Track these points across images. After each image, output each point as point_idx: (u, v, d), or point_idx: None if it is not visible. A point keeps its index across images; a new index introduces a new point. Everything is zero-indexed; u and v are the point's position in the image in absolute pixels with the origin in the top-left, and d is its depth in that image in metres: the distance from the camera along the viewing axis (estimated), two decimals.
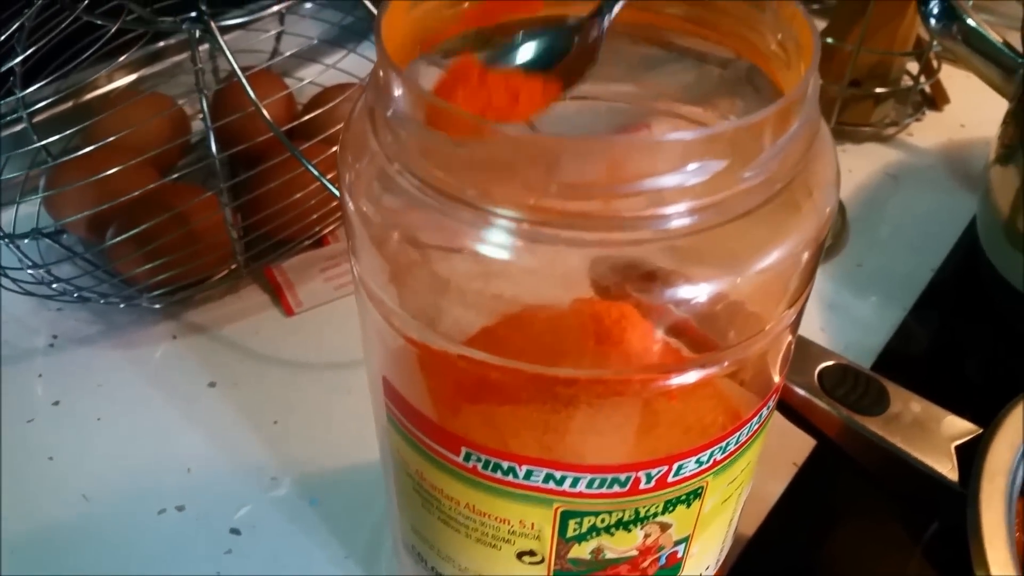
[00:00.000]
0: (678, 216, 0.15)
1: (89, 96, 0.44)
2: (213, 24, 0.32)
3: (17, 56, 0.30)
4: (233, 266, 0.38)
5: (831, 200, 0.18)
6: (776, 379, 0.20)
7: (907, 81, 0.51)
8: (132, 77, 0.46)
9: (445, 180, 0.16)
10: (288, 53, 0.41)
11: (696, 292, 0.16)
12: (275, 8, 0.34)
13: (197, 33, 0.33)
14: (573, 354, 0.17)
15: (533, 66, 0.19)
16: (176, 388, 0.35)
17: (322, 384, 0.35)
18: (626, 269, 0.16)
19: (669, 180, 0.14)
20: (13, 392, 0.35)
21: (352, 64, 0.44)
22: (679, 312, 0.16)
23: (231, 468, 0.32)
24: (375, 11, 0.38)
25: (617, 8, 0.19)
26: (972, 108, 0.52)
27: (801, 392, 0.26)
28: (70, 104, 0.43)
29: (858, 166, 0.48)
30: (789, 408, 0.26)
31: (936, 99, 0.53)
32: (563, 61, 0.19)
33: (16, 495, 0.31)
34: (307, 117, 0.37)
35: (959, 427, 0.25)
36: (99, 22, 0.33)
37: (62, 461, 0.32)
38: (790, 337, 0.20)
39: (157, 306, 0.37)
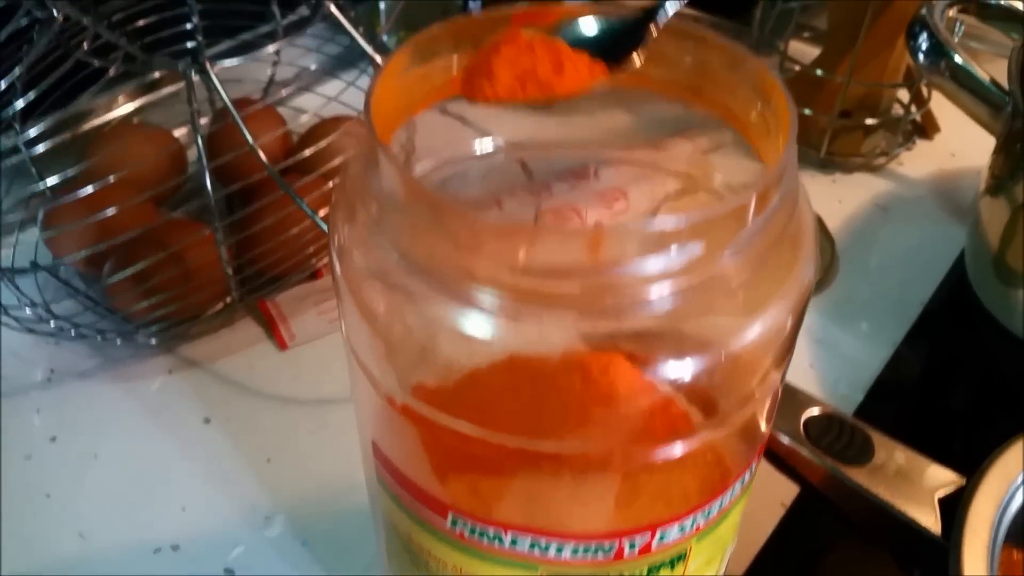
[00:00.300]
0: (661, 296, 0.15)
1: (88, 126, 0.45)
2: (209, 65, 0.33)
3: (17, 98, 0.30)
4: (228, 300, 0.39)
5: (811, 269, 0.19)
6: (763, 429, 0.21)
7: (898, 110, 0.52)
8: (131, 107, 0.46)
9: (427, 258, 0.16)
10: (285, 92, 0.41)
11: (681, 368, 0.16)
12: (271, 48, 0.34)
13: (193, 74, 0.33)
14: (559, 419, 0.17)
15: (580, 45, 0.19)
16: (172, 424, 0.35)
17: (314, 420, 0.36)
18: (612, 341, 0.17)
19: (651, 264, 0.15)
20: (12, 427, 0.35)
21: (349, 95, 0.44)
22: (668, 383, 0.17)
23: (225, 506, 0.32)
24: (367, 46, 0.38)
25: (672, 10, 0.19)
26: (963, 137, 0.52)
27: (786, 441, 0.26)
28: (68, 134, 0.43)
29: (848, 197, 0.48)
30: (774, 455, 0.27)
31: (927, 128, 0.53)
32: (612, 50, 0.19)
33: (14, 533, 0.31)
34: (301, 156, 0.37)
35: (942, 478, 0.25)
36: (98, 63, 0.33)
37: (59, 498, 0.33)
38: (778, 387, 0.21)
39: (153, 341, 0.38)
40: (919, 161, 0.52)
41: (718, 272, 0.16)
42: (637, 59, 0.19)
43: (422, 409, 0.17)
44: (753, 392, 0.18)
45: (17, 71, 0.28)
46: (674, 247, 0.15)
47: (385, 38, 0.54)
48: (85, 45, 0.31)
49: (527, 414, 0.16)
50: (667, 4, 0.19)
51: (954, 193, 0.49)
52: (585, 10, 0.20)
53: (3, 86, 0.29)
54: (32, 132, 0.30)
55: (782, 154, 0.16)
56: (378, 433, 0.19)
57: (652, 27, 0.18)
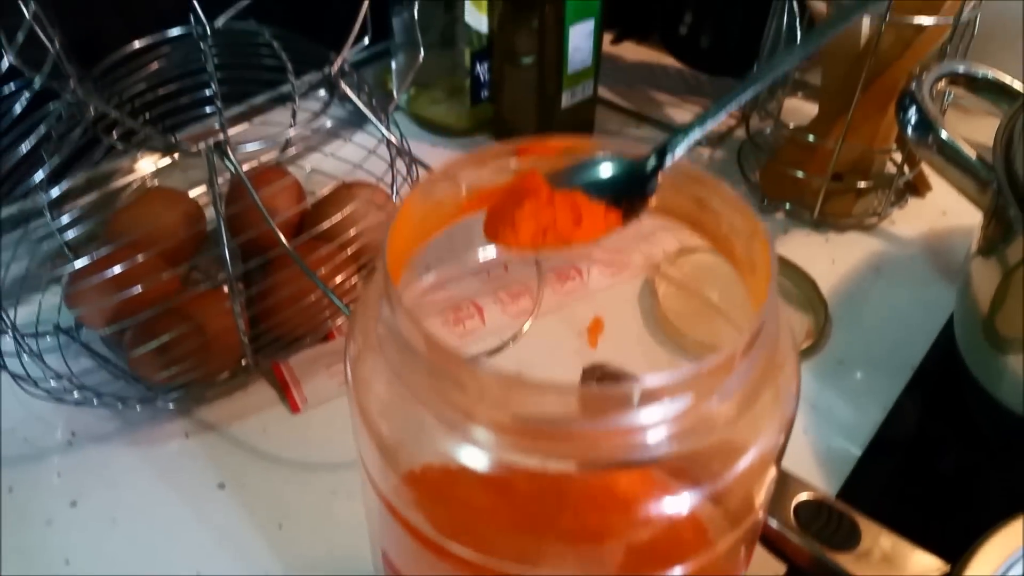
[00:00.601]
0: (656, 442, 0.17)
1: (110, 187, 0.46)
2: (230, 150, 0.35)
3: (52, 188, 0.32)
4: (243, 363, 0.40)
5: (795, 391, 0.20)
6: (757, 535, 0.22)
7: (890, 168, 0.53)
8: (151, 168, 0.48)
9: (429, 393, 0.17)
10: (309, 168, 0.43)
11: (679, 503, 0.18)
12: (291, 132, 0.36)
13: (215, 158, 0.35)
14: (559, 542, 0.18)
15: (594, 190, 0.20)
16: (188, 488, 0.37)
17: (325, 486, 0.37)
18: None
19: (643, 416, 0.16)
20: (34, 492, 0.37)
21: (356, 154, 0.46)
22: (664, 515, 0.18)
23: (238, 573, 0.34)
24: (382, 128, 0.40)
25: (680, 154, 0.21)
26: (954, 195, 0.53)
27: (776, 525, 0.28)
28: (96, 195, 0.45)
29: (841, 256, 0.50)
30: (764, 538, 0.28)
31: (918, 186, 0.55)
32: (623, 195, 0.20)
33: None
34: (318, 230, 0.39)
35: (927, 564, 0.26)
36: (123, 147, 0.35)
37: (78, 564, 0.34)
38: (771, 488, 0.22)
39: (171, 405, 0.39)
40: (911, 219, 0.53)
41: (708, 413, 0.17)
42: (651, 204, 0.20)
43: (425, 530, 0.19)
44: (751, 505, 0.20)
45: (50, 163, 0.30)
46: (666, 399, 0.16)
47: (396, 96, 0.56)
48: (114, 133, 0.33)
49: (523, 539, 0.18)
50: (678, 148, 0.20)
51: (945, 253, 0.51)
52: (586, 144, 0.22)
53: (37, 179, 0.30)
54: (65, 219, 0.31)
55: (764, 303, 0.18)
56: (386, 541, 0.20)
57: (661, 175, 0.20)
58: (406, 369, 0.18)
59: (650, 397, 0.16)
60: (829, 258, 0.50)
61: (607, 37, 0.63)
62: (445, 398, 0.17)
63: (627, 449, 0.16)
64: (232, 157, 0.34)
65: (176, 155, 0.37)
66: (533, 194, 0.19)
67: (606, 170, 0.20)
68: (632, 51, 0.67)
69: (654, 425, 0.16)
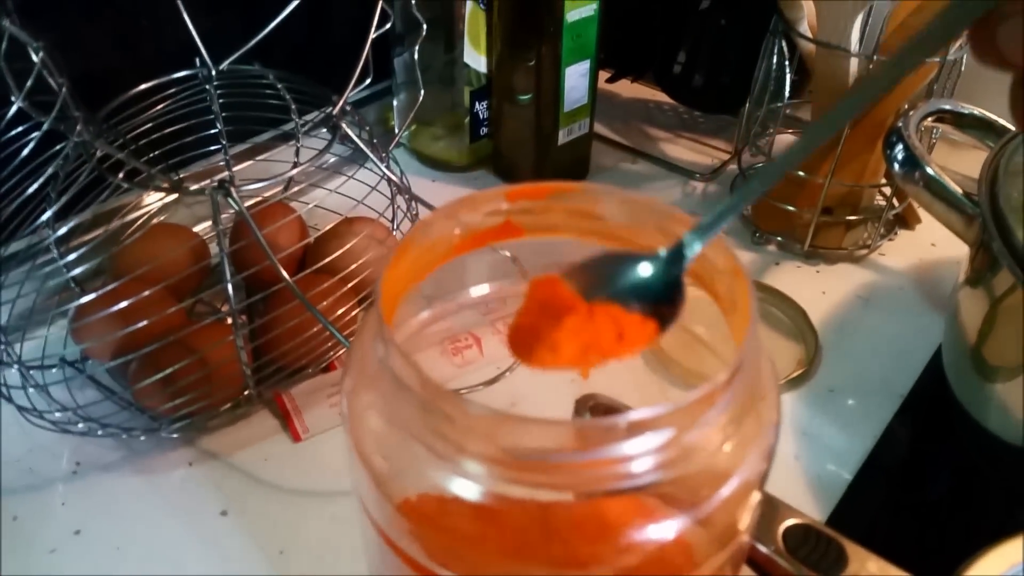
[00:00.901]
0: (641, 471, 0.17)
1: (116, 223, 0.48)
2: (234, 190, 0.36)
3: (60, 226, 0.33)
4: (246, 393, 0.41)
5: (775, 419, 0.21)
6: (743, 557, 0.23)
7: (880, 201, 0.54)
8: (159, 203, 0.49)
9: (420, 432, 0.18)
10: (312, 203, 0.44)
11: (665, 529, 0.18)
12: (292, 172, 0.37)
13: (219, 198, 0.36)
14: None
15: (626, 299, 0.19)
16: (191, 516, 0.37)
17: (326, 513, 0.38)
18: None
19: (627, 448, 0.17)
20: (37, 520, 0.37)
21: (359, 190, 0.47)
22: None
23: None
24: (385, 170, 0.41)
25: (699, 249, 0.20)
26: (943, 227, 0.55)
27: (764, 550, 0.28)
28: (101, 233, 0.46)
29: (831, 287, 0.51)
30: (752, 562, 0.28)
31: (908, 219, 0.56)
32: (652, 301, 0.19)
33: None
34: (320, 264, 0.40)
35: None
36: (128, 186, 0.36)
37: None
38: (757, 509, 0.23)
39: (175, 435, 0.40)
40: (900, 251, 0.54)
41: (691, 443, 0.18)
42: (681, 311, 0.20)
43: (415, 553, 0.19)
44: (736, 529, 0.21)
45: (58, 202, 0.31)
46: (649, 432, 0.17)
47: (397, 133, 0.57)
48: (120, 173, 0.34)
49: (514, 566, 0.19)
50: (698, 246, 0.20)
51: (934, 284, 0.52)
52: (574, 188, 0.23)
53: (45, 217, 0.32)
54: (72, 256, 0.32)
55: (744, 340, 0.19)
56: (379, 564, 0.21)
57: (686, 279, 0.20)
58: (400, 405, 0.19)
59: (633, 430, 0.17)
60: (820, 289, 0.51)
61: (603, 75, 0.65)
62: (437, 433, 0.18)
63: (613, 478, 0.17)
64: (236, 197, 0.36)
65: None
66: (572, 311, 0.18)
67: (642, 271, 0.19)
68: (628, 88, 0.68)
69: (638, 456, 0.17)
